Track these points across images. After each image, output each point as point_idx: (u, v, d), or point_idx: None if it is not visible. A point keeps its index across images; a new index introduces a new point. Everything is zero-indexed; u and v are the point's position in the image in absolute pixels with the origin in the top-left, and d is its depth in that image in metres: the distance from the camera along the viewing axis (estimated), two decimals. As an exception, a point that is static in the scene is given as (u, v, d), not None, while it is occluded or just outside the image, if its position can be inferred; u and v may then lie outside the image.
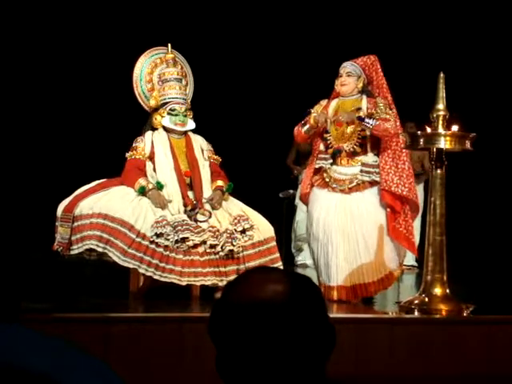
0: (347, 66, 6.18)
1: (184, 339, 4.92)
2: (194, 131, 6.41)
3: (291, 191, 9.03)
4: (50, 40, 9.32)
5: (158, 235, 5.77)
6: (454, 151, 5.62)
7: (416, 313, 5.46)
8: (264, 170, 9.36)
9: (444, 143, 5.50)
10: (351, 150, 6.12)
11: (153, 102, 6.33)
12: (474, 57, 9.56)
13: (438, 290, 5.51)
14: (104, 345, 4.68)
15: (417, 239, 8.56)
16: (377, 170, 6.09)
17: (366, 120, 6.03)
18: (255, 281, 1.54)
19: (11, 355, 1.43)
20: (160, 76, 6.40)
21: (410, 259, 8.53)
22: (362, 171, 6.09)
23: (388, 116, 6.03)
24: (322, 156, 6.22)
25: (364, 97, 6.19)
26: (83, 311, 5.35)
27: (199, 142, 6.37)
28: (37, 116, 9.41)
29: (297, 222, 8.85)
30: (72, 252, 6.05)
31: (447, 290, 5.53)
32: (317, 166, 6.23)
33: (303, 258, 8.82)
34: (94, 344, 4.40)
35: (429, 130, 5.58)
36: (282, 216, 8.84)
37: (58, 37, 9.33)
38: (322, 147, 6.25)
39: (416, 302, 5.53)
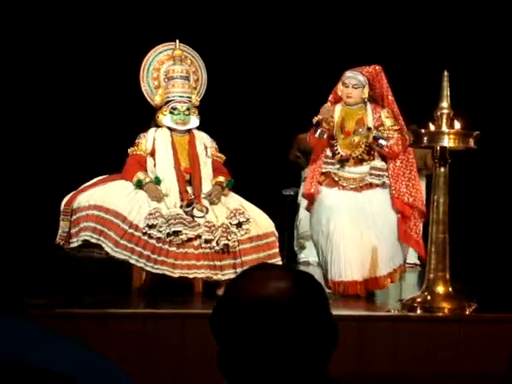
0: (353, 78, 6.19)
1: (186, 335, 4.92)
2: (199, 128, 6.41)
3: (294, 189, 9.03)
4: (58, 35, 9.31)
5: (151, 226, 5.81)
6: (458, 149, 5.61)
7: (418, 311, 5.46)
8: (267, 167, 9.36)
9: (448, 141, 5.49)
10: (359, 157, 6.19)
11: (158, 99, 6.35)
12: (477, 55, 9.54)
13: (440, 288, 5.50)
14: (106, 341, 4.68)
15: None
16: (386, 174, 6.18)
17: (380, 142, 6.11)
18: (258, 278, 1.54)
19: (14, 348, 1.43)
20: (166, 73, 6.41)
21: (413, 257, 8.52)
22: (371, 174, 6.17)
23: (393, 134, 6.12)
24: (330, 161, 6.25)
25: (368, 104, 6.23)
26: (85, 307, 5.36)
27: (203, 139, 6.38)
28: (44, 112, 9.40)
29: (299, 220, 8.83)
30: (71, 245, 6.10)
31: (450, 288, 5.52)
32: (324, 171, 6.26)
33: (306, 255, 8.81)
34: (95, 340, 4.40)
35: (432, 127, 5.58)
36: (284, 213, 8.83)
37: (64, 31, 9.31)
38: (328, 153, 6.26)
39: (418, 299, 5.52)
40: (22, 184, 9.05)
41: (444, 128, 5.52)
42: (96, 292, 6.02)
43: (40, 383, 1.41)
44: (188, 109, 6.29)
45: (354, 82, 6.18)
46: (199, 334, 4.65)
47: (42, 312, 4.82)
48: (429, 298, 5.49)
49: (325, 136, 6.18)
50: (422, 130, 5.62)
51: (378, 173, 6.18)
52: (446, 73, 5.59)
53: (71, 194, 6.21)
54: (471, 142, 5.53)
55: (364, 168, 6.19)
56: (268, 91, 9.57)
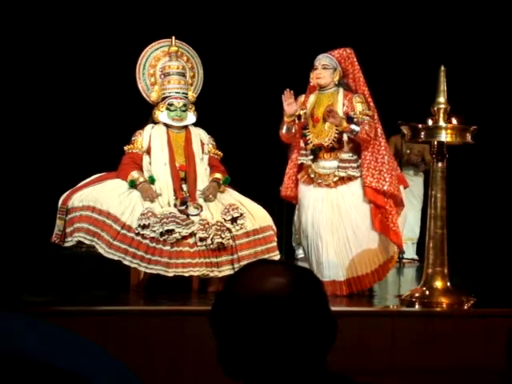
0: (323, 59, 6.09)
1: (184, 332, 4.92)
2: (196, 124, 6.40)
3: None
4: (55, 33, 9.29)
5: (143, 227, 5.80)
6: (455, 144, 5.61)
7: (417, 306, 5.46)
8: (264, 163, 9.34)
9: (445, 136, 5.50)
10: (329, 145, 6.05)
11: (154, 96, 6.34)
12: (473, 50, 9.53)
13: (438, 283, 5.51)
14: (104, 338, 4.67)
15: (417, 232, 8.58)
16: (353, 165, 6.01)
17: (352, 127, 5.93)
18: (257, 273, 1.53)
19: (12, 342, 1.42)
20: (162, 69, 6.40)
21: (411, 252, 8.53)
22: (338, 167, 6.04)
23: (366, 119, 5.95)
24: (303, 152, 6.18)
25: (341, 90, 6.10)
26: (84, 304, 5.35)
27: (200, 136, 6.36)
28: (41, 109, 9.39)
29: (297, 216, 8.83)
30: (66, 244, 6.11)
31: (448, 283, 5.53)
32: (299, 162, 6.22)
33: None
34: (93, 337, 4.39)
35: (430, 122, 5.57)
36: (282, 210, 8.82)
37: (61, 29, 9.29)
38: (301, 143, 6.20)
39: (417, 295, 5.53)
40: (19, 181, 9.04)
41: (441, 123, 5.52)
42: (93, 289, 6.02)
43: (50, 381, 1.40)
44: (185, 105, 6.27)
45: (322, 63, 6.07)
46: (197, 331, 4.64)
47: (40, 310, 4.81)
48: (427, 293, 5.49)
49: (293, 130, 6.13)
50: (420, 125, 5.61)
51: (343, 165, 6.02)
52: (442, 68, 5.60)
53: (68, 192, 6.21)
54: (468, 137, 5.53)
55: (335, 163, 6.06)
56: (266, 88, 9.54)
